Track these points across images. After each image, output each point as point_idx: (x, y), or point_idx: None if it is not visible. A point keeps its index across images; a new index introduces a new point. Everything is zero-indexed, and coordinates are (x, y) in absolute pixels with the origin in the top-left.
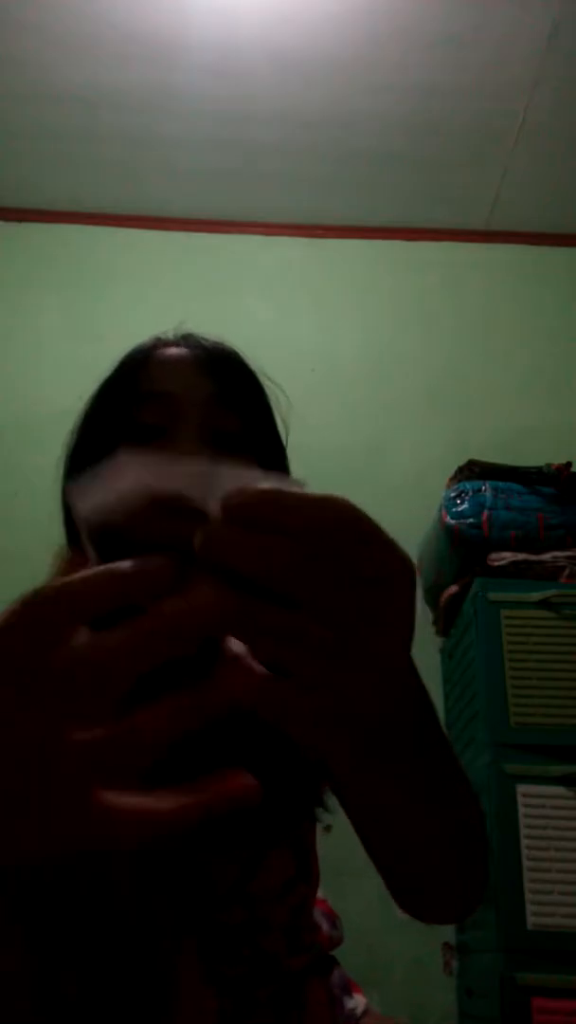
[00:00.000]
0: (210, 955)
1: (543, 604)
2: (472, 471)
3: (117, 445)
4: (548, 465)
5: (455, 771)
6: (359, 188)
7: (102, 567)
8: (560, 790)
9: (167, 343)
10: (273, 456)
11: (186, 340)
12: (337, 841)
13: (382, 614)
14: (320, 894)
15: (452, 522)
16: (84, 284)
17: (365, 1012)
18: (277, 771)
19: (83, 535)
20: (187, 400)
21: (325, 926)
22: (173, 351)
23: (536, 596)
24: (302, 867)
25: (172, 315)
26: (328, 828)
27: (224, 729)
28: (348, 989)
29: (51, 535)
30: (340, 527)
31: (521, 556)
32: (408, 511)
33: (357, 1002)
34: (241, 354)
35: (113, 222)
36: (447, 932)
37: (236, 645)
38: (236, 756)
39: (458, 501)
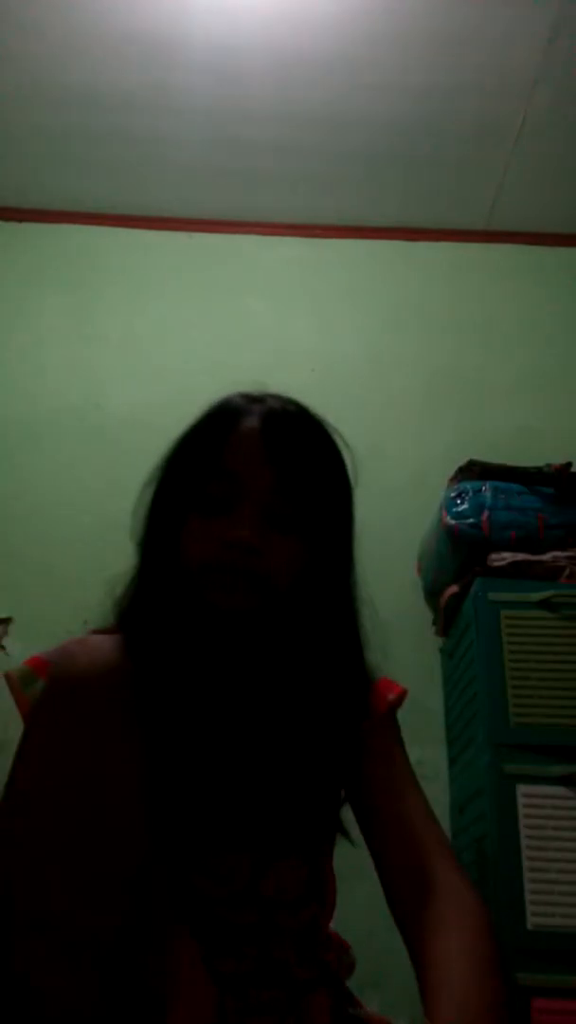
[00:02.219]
0: (214, 951)
1: (543, 604)
2: (472, 471)
3: (190, 507)
4: (548, 465)
5: None
6: (358, 188)
7: None
8: (560, 790)
9: (250, 408)
10: (324, 530)
11: (265, 405)
12: (337, 842)
13: None
14: (331, 926)
15: (452, 522)
16: (84, 284)
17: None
18: (298, 781)
19: None
20: (250, 483)
21: (336, 954)
22: (250, 427)
23: (536, 596)
24: (315, 887)
25: (172, 315)
26: None
27: (259, 737)
28: (353, 1002)
29: (51, 535)
30: None
31: (521, 556)
32: (408, 511)
33: (359, 1013)
34: (314, 428)
35: (113, 222)
36: None
37: None
38: (267, 764)
39: (458, 501)
